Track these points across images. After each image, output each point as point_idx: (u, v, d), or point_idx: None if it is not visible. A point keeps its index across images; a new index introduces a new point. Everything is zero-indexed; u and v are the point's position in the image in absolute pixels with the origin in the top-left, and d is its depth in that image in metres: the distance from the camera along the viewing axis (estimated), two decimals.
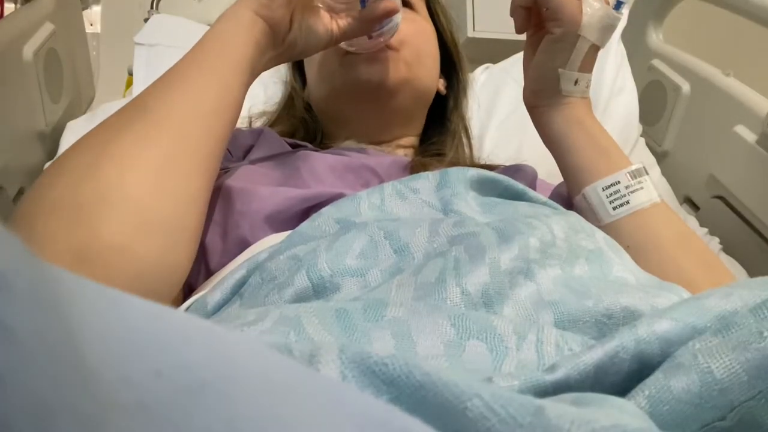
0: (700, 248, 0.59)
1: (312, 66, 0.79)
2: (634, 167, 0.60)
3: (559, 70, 0.61)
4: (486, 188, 0.54)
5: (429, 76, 0.78)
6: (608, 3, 0.60)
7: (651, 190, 0.59)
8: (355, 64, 0.71)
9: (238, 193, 0.55)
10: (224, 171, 0.61)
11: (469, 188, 0.52)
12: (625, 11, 0.61)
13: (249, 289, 0.44)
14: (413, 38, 0.74)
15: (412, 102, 0.77)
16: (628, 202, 0.58)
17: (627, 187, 0.59)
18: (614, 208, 0.59)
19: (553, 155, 0.65)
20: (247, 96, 1.01)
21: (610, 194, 0.59)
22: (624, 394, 0.29)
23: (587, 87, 0.63)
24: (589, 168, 0.61)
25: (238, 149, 0.71)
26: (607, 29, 0.60)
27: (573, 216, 0.51)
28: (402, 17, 0.73)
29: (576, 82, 0.62)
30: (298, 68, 0.88)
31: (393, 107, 0.74)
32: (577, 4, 0.59)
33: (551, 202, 0.56)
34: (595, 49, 0.61)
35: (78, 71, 1.07)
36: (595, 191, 0.60)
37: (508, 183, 0.55)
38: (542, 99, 0.64)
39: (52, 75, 0.95)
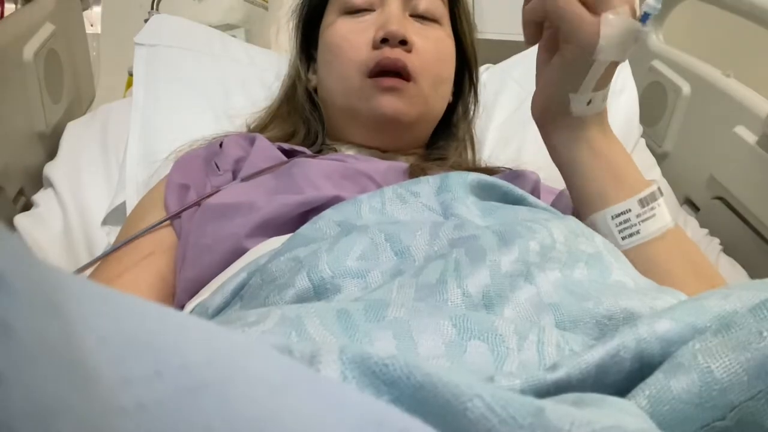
0: (711, 275, 0.57)
1: (330, 69, 0.75)
2: (646, 192, 0.55)
3: (570, 95, 0.55)
4: (486, 193, 0.54)
5: (443, 101, 0.78)
6: (635, 12, 0.52)
7: (664, 215, 0.55)
8: (375, 93, 0.69)
9: (237, 207, 0.55)
10: (216, 191, 0.61)
11: (469, 193, 0.52)
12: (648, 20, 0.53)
13: (249, 290, 0.44)
14: (432, 66, 0.72)
15: (424, 127, 0.78)
16: (638, 232, 0.55)
17: (638, 216, 0.55)
18: (623, 238, 0.55)
19: (561, 175, 0.61)
20: (245, 98, 0.98)
21: (620, 223, 0.55)
22: (625, 394, 0.29)
23: (603, 101, 0.57)
24: (598, 193, 0.56)
25: (227, 161, 0.68)
26: (630, 44, 0.52)
27: (572, 220, 0.50)
28: (422, 35, 0.72)
29: (589, 102, 0.56)
30: (305, 52, 0.83)
31: (402, 134, 0.74)
32: (593, 24, 0.51)
33: (551, 207, 0.56)
34: (614, 64, 0.54)
35: (78, 71, 1.07)
36: (603, 220, 0.55)
37: (508, 188, 0.55)
38: (550, 119, 0.59)
39: (52, 75, 0.94)
